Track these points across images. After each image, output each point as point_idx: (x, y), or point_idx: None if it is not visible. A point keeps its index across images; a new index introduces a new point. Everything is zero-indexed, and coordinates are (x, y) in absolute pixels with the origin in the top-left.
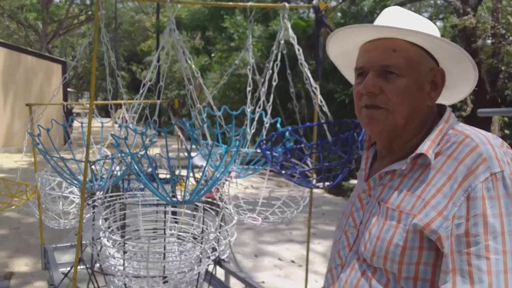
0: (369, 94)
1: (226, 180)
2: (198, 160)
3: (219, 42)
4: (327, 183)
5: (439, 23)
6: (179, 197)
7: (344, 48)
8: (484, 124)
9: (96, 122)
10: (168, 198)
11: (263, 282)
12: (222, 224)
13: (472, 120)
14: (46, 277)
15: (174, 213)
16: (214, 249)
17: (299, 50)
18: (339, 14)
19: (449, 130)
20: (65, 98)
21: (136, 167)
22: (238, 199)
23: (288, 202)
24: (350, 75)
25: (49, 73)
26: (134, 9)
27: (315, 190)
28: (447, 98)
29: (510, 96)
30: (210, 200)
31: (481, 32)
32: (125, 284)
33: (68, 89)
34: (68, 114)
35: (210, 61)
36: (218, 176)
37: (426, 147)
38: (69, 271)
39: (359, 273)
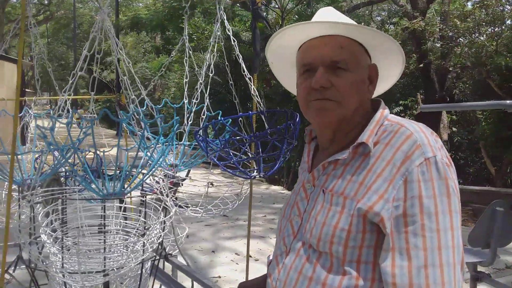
0: (321, 89)
1: (164, 172)
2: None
3: (179, 43)
4: (262, 173)
5: (391, 26)
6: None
7: (285, 45)
8: (433, 121)
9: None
10: (97, 191)
11: (219, 276)
12: (166, 219)
13: (423, 118)
14: None
15: (125, 209)
16: (161, 244)
17: (234, 41)
18: (296, 16)
19: (384, 121)
20: (23, 97)
21: (67, 160)
22: (178, 193)
23: (231, 194)
24: (283, 74)
25: (5, 73)
26: (94, 10)
27: (274, 188)
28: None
29: (458, 95)
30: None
31: (430, 35)
32: (64, 283)
33: (26, 90)
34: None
35: (171, 61)
36: (151, 167)
37: (366, 136)
38: (7, 268)
39: (303, 258)
